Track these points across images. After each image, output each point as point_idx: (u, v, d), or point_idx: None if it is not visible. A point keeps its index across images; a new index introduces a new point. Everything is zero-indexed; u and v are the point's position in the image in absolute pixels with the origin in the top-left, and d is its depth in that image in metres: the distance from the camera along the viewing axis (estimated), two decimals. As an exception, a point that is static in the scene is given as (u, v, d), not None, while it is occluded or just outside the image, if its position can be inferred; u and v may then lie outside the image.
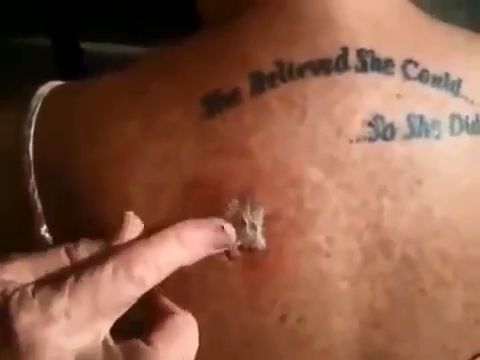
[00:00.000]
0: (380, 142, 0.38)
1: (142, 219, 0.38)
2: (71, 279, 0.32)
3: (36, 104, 0.42)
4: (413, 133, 0.38)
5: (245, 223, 0.37)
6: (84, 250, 0.35)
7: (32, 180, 0.41)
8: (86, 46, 1.48)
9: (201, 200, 0.38)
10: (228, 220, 0.37)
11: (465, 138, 0.39)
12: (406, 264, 0.38)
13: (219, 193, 0.37)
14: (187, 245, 0.35)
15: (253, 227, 0.37)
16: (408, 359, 0.40)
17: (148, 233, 0.36)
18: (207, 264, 0.36)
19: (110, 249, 0.35)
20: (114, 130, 0.39)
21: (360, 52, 0.38)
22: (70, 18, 1.48)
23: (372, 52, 0.38)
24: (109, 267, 0.32)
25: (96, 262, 0.33)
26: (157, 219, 0.38)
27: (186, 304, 0.36)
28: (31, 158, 0.41)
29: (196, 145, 0.38)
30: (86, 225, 0.40)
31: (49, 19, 1.46)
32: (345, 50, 0.38)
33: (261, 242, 0.37)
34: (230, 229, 0.37)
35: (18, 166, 0.41)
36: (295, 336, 0.39)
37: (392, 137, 0.38)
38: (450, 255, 0.38)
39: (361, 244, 0.38)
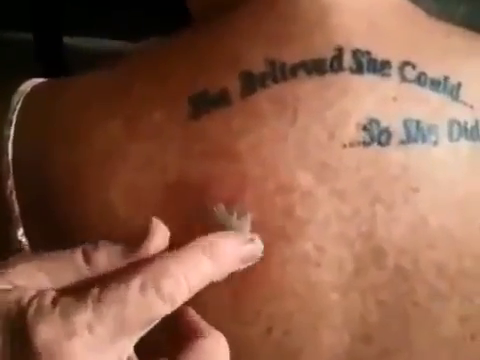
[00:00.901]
0: (375, 147, 0.36)
1: (123, 224, 0.37)
2: (95, 291, 0.30)
3: (17, 102, 0.41)
4: (409, 138, 0.36)
5: (230, 230, 0.36)
6: (103, 254, 0.33)
7: (10, 182, 0.40)
8: (69, 41, 1.47)
9: (185, 205, 0.36)
10: (213, 226, 0.36)
11: (464, 144, 0.37)
12: (399, 275, 0.37)
13: (204, 198, 0.36)
14: (218, 259, 0.33)
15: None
16: None
17: (131, 238, 0.34)
18: None
19: (137, 261, 0.32)
20: (96, 130, 0.38)
21: (356, 53, 0.37)
22: (53, 12, 1.46)
23: (368, 53, 0.37)
24: (137, 281, 0.30)
25: (123, 274, 0.31)
26: (139, 225, 0.36)
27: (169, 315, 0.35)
28: (10, 159, 0.40)
29: (181, 147, 0.37)
30: (65, 229, 0.38)
31: (32, 13, 1.45)
32: (340, 50, 0.37)
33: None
34: (259, 242, 0.35)
35: None
36: (281, 349, 0.37)
37: (387, 142, 0.36)
38: (446, 267, 0.37)
39: (352, 253, 0.37)
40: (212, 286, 0.34)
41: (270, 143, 0.36)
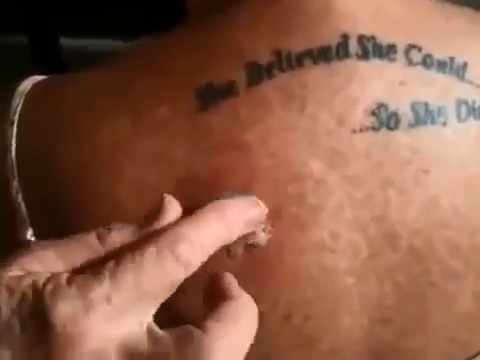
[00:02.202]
0: (384, 131, 0.36)
1: (132, 222, 0.36)
2: (111, 263, 0.30)
3: (18, 101, 0.41)
4: (418, 121, 0.37)
5: None
6: (117, 233, 0.32)
7: (15, 183, 0.40)
8: (65, 42, 1.46)
9: (195, 199, 0.36)
10: None
11: (472, 124, 0.38)
12: (414, 256, 0.37)
13: (215, 190, 0.36)
14: (228, 223, 0.33)
15: None
16: (418, 354, 0.39)
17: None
18: (205, 263, 0.34)
19: (151, 232, 0.32)
20: (101, 128, 0.38)
21: (361, 38, 0.37)
22: (48, 14, 1.46)
23: (373, 38, 0.37)
24: (152, 248, 0.30)
25: (137, 245, 0.31)
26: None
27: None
28: (14, 159, 0.40)
29: (189, 141, 0.37)
30: (74, 228, 0.38)
31: (26, 16, 1.44)
32: (345, 37, 0.37)
33: (262, 239, 0.36)
34: (263, 206, 0.35)
35: (1, 168, 0.40)
36: (300, 336, 0.38)
37: (396, 126, 0.36)
38: (459, 245, 0.38)
39: (367, 238, 0.37)
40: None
41: (279, 133, 0.36)
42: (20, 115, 0.40)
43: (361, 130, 0.36)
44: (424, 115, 0.37)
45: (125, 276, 0.29)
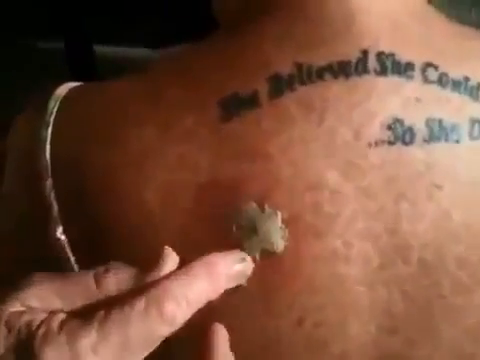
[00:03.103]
0: (399, 146, 0.37)
1: (157, 223, 0.38)
2: (101, 313, 0.31)
3: (54, 105, 0.42)
4: (432, 137, 0.37)
5: (262, 226, 0.37)
6: (113, 278, 0.34)
7: (49, 182, 0.41)
8: (99, 49, 1.48)
9: (217, 203, 0.37)
10: (244, 223, 0.37)
11: None
12: (424, 269, 0.38)
13: (235, 197, 0.37)
14: (216, 279, 0.34)
15: (271, 231, 0.37)
16: None
17: (164, 239, 0.35)
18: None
19: (143, 285, 0.34)
20: (131, 134, 0.39)
21: (380, 55, 0.38)
22: (83, 21, 1.48)
23: (392, 55, 0.38)
24: (141, 303, 0.32)
25: (128, 297, 0.32)
26: (172, 221, 0.38)
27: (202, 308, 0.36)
28: (48, 159, 0.41)
29: (213, 149, 0.38)
30: (102, 228, 0.39)
31: (62, 22, 1.47)
32: (365, 53, 0.38)
33: (279, 246, 0.37)
34: (249, 261, 0.37)
35: (35, 167, 0.41)
36: (311, 340, 0.38)
37: (411, 141, 0.37)
38: (469, 260, 0.38)
39: (378, 248, 0.38)
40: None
41: (299, 144, 0.37)
42: (55, 118, 0.42)
43: (376, 144, 0.37)
44: (438, 131, 0.37)
45: (112, 328, 0.31)
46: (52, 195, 0.41)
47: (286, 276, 0.37)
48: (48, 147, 0.41)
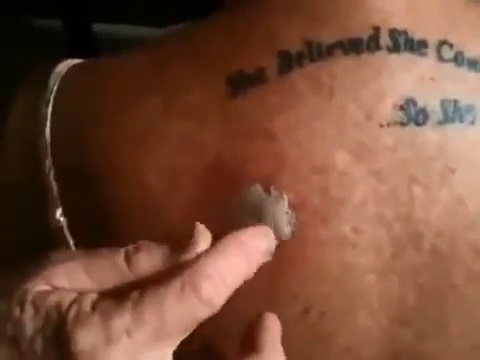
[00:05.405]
0: (412, 127, 0.36)
1: (160, 205, 0.37)
2: (135, 295, 0.29)
3: (54, 82, 0.41)
4: (447, 119, 0.36)
5: (268, 210, 0.36)
6: (145, 257, 0.32)
7: (48, 161, 0.40)
8: (98, 27, 1.47)
9: (222, 185, 0.36)
10: (249, 206, 0.36)
11: None
12: (436, 257, 0.37)
13: (241, 178, 0.36)
14: (250, 258, 0.32)
15: (276, 215, 0.36)
16: (437, 357, 0.39)
17: (167, 223, 0.34)
18: None
19: (176, 265, 0.32)
20: (133, 109, 0.38)
21: (392, 32, 0.36)
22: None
23: (405, 32, 0.37)
24: (177, 284, 0.30)
25: (163, 277, 0.30)
26: (176, 205, 0.36)
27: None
28: (48, 138, 0.40)
29: (218, 126, 0.37)
30: (103, 210, 0.39)
31: (61, 1, 1.46)
32: (377, 30, 0.36)
33: (284, 231, 0.36)
34: (273, 235, 0.35)
35: (35, 146, 0.40)
36: (316, 331, 0.37)
37: (424, 122, 0.36)
38: None
39: (391, 235, 0.36)
40: None
41: (306, 122, 0.36)
42: (55, 96, 0.41)
43: (389, 124, 0.36)
44: (453, 113, 0.36)
45: (147, 310, 0.29)
46: (52, 175, 0.40)
47: (292, 263, 0.36)
48: (48, 125, 0.40)
